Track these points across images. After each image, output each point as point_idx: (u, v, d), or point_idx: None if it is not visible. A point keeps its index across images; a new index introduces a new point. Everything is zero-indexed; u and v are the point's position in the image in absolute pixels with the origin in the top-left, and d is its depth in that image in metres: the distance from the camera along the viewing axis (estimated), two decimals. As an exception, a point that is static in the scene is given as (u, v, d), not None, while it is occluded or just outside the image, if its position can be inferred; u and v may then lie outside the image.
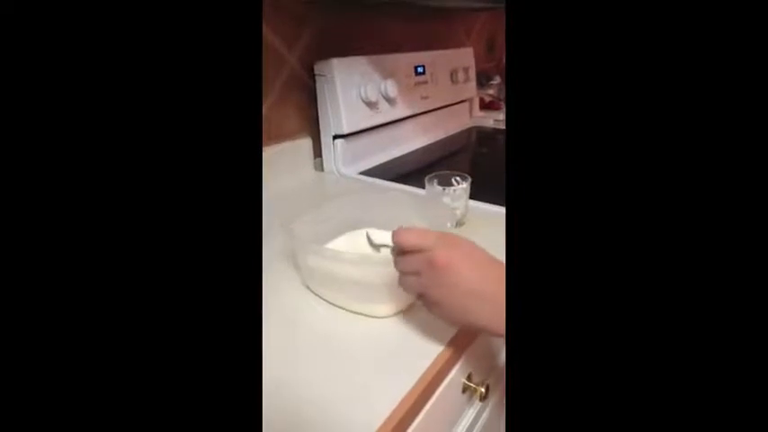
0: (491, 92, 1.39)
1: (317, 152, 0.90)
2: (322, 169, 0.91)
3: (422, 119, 1.07)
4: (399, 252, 0.39)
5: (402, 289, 0.40)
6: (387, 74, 0.92)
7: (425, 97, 1.05)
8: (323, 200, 0.59)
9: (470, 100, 1.31)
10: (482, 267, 0.37)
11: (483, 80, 1.37)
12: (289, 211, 0.51)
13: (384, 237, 0.43)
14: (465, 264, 0.36)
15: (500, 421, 0.62)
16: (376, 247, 0.46)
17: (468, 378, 0.49)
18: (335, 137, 0.87)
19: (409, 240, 0.38)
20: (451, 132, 1.19)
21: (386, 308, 0.45)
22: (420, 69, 1.03)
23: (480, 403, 0.55)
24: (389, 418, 0.34)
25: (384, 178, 0.86)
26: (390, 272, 0.40)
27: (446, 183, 0.64)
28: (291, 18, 0.80)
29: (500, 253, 0.33)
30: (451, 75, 1.15)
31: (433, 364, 0.40)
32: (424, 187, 0.65)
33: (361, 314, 0.46)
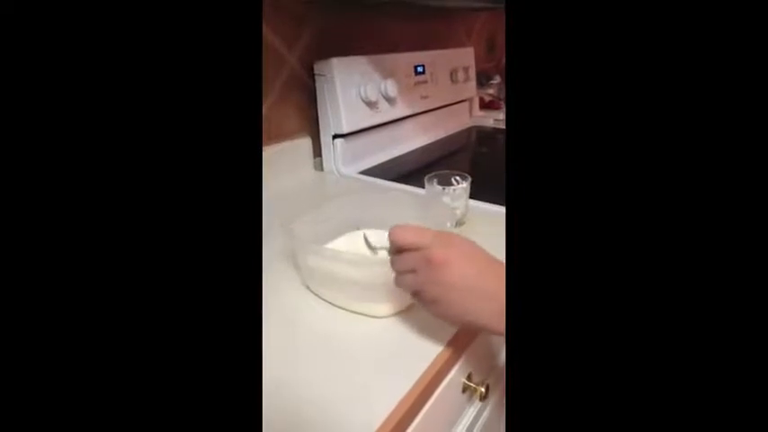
0: (491, 91, 1.39)
1: (317, 152, 0.90)
2: (322, 169, 0.91)
3: (422, 118, 1.07)
4: (396, 250, 0.39)
5: (398, 287, 0.40)
6: (387, 73, 0.92)
7: (425, 97, 1.05)
8: (323, 200, 0.59)
9: (470, 99, 1.31)
10: (480, 265, 0.37)
11: (483, 80, 1.37)
12: (288, 211, 0.51)
13: (381, 238, 0.43)
14: (462, 261, 0.36)
15: (500, 421, 0.62)
16: (373, 249, 0.46)
17: (468, 378, 0.49)
18: (335, 136, 0.87)
19: (406, 238, 0.38)
20: (451, 132, 1.19)
21: (386, 308, 0.45)
22: (420, 69, 1.03)
23: (480, 403, 0.55)
24: (389, 418, 0.34)
25: (384, 178, 0.86)
26: (390, 272, 0.40)
27: (446, 182, 0.64)
28: (291, 18, 0.80)
29: (500, 253, 0.33)
30: (451, 74, 1.15)
31: (433, 363, 0.40)
32: (423, 187, 0.65)
33: (360, 314, 0.46)
